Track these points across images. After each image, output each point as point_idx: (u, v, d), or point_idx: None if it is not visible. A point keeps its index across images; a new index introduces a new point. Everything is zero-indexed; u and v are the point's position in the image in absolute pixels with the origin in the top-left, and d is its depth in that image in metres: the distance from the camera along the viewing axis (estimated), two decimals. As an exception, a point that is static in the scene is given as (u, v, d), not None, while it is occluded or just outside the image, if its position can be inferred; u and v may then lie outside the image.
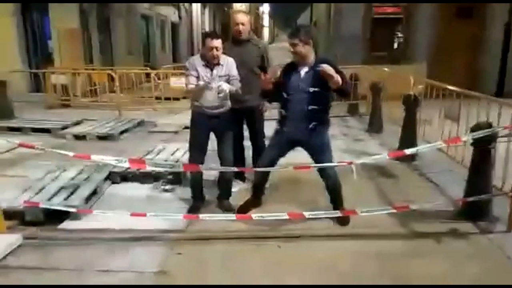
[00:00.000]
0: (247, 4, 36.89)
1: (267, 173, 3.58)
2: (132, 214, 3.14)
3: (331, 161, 3.34)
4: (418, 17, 9.93)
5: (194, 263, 2.92)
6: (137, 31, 14.99)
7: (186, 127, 7.23)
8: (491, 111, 3.80)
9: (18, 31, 11.24)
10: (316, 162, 3.36)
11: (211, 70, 3.44)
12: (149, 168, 3.12)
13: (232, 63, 3.53)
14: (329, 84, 3.03)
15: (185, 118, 7.53)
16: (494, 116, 3.64)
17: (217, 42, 3.32)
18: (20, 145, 3.06)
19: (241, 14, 3.83)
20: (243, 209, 3.65)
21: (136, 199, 4.00)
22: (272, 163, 3.44)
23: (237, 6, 34.34)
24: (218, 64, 3.44)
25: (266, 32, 49.23)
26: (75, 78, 9.65)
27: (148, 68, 11.22)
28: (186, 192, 4.15)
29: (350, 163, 2.93)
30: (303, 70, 3.22)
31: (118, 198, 4.05)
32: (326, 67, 2.97)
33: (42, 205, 3.26)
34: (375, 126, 6.60)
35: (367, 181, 4.33)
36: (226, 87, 3.32)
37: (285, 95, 3.27)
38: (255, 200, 3.74)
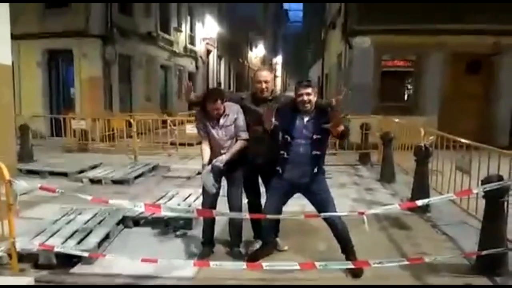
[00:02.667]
0: (262, 55, 38.36)
1: (277, 221, 3.60)
2: (142, 260, 3.16)
3: (333, 206, 3.38)
4: (428, 71, 10.19)
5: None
6: (156, 80, 15.64)
7: (199, 173, 7.40)
8: (502, 164, 3.82)
9: (43, 79, 11.91)
10: (318, 208, 3.40)
11: (217, 120, 3.54)
12: (162, 213, 3.18)
13: (237, 111, 3.56)
14: (332, 129, 3.13)
15: (199, 163, 7.71)
16: (505, 169, 3.65)
17: (218, 104, 3.41)
18: (41, 188, 3.17)
19: (265, 71, 3.66)
20: (254, 257, 3.63)
21: (147, 244, 4.02)
22: (278, 211, 3.48)
23: (252, 58, 35.76)
24: (224, 115, 3.52)
25: (278, 82, 50.67)
26: (95, 124, 10.02)
27: (164, 115, 11.58)
28: (197, 237, 4.19)
29: (362, 213, 2.95)
30: (306, 117, 3.35)
31: (130, 242, 4.09)
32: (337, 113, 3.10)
33: (56, 249, 3.31)
34: (386, 176, 6.61)
35: (379, 232, 4.29)
36: (220, 162, 3.41)
37: (288, 138, 3.37)
38: (266, 248, 3.73)
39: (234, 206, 3.66)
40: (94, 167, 7.56)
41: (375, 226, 4.32)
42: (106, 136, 10.24)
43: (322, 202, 3.36)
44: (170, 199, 5.22)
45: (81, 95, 11.67)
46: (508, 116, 9.99)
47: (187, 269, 3.39)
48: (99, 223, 4.27)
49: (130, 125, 9.28)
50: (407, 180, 6.20)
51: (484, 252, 3.19)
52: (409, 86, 11.05)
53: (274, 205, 3.46)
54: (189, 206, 4.79)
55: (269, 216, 3.38)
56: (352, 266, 3.20)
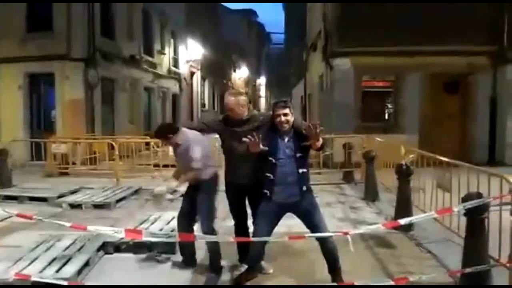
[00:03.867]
0: (245, 76, 38.77)
1: (264, 245, 3.55)
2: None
3: (323, 221, 3.38)
4: (407, 91, 10.45)
5: None
6: (139, 102, 15.59)
7: (182, 195, 7.31)
8: (480, 181, 3.88)
9: (24, 102, 11.73)
10: (309, 225, 3.38)
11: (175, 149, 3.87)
12: (144, 239, 3.11)
13: (191, 139, 3.67)
14: (312, 143, 3.16)
15: (183, 186, 7.63)
16: (484, 186, 3.71)
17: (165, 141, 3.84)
18: (18, 215, 3.07)
19: (232, 97, 3.61)
20: (239, 281, 3.57)
21: (128, 270, 3.91)
22: (268, 236, 3.44)
23: (236, 79, 36.09)
24: (177, 144, 3.76)
25: (262, 102, 51.17)
26: (75, 147, 9.86)
27: (147, 137, 11.49)
28: (179, 261, 4.10)
29: (346, 233, 2.94)
30: (286, 137, 3.37)
31: (111, 269, 3.96)
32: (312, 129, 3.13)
33: (32, 278, 3.19)
34: (370, 194, 6.65)
35: (364, 251, 4.28)
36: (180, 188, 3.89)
37: (273, 160, 3.36)
38: (251, 272, 3.66)
39: (202, 230, 3.73)
40: (74, 191, 7.39)
41: (360, 245, 4.31)
42: (88, 160, 10.10)
43: (313, 220, 3.34)
44: (153, 223, 5.13)
45: (63, 118, 11.50)
46: (486, 133, 10.27)
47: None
48: (79, 249, 4.14)
49: (112, 147, 9.18)
50: (391, 198, 6.24)
51: (467, 270, 3.21)
52: (390, 106, 11.29)
53: (265, 230, 3.38)
54: (172, 230, 4.70)
55: (253, 239, 3.34)
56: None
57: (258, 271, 3.74)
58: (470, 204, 3.08)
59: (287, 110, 3.35)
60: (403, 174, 4.96)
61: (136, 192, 7.54)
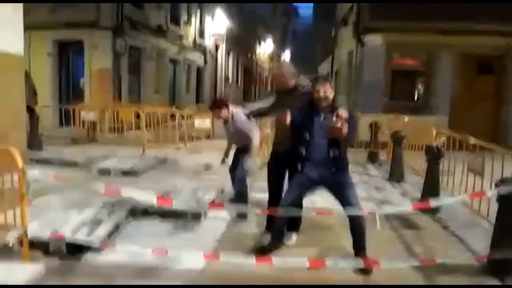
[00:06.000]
0: (270, 50, 38.21)
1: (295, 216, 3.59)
2: (153, 251, 3.17)
3: (356, 198, 3.38)
4: (439, 71, 10.11)
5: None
6: (165, 73, 15.67)
7: (206, 167, 7.41)
8: (507, 165, 3.77)
9: (53, 69, 11.96)
10: (340, 199, 3.40)
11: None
12: (174, 206, 3.18)
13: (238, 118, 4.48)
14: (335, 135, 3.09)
15: (207, 158, 7.71)
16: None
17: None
18: (55, 177, 3.18)
19: (284, 68, 3.87)
20: (262, 250, 3.63)
21: (156, 236, 4.02)
22: (295, 204, 3.48)
23: (260, 53, 35.64)
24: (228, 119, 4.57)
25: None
26: (103, 115, 10.05)
27: (173, 108, 11.59)
28: (206, 231, 4.20)
29: (374, 212, 2.92)
30: (323, 114, 3.31)
31: (139, 234, 4.09)
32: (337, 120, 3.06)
33: (66, 238, 3.32)
34: (396, 175, 6.56)
35: (389, 231, 4.26)
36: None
37: (307, 136, 3.34)
38: (276, 242, 3.72)
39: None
40: (103, 157, 7.59)
41: (385, 226, 4.28)
42: (114, 128, 10.29)
43: (344, 197, 3.35)
44: (179, 193, 5.21)
45: (90, 86, 11.71)
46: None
47: (197, 261, 3.39)
48: (108, 213, 4.28)
49: (138, 116, 9.31)
50: (416, 180, 6.16)
51: (495, 255, 3.15)
52: (419, 86, 10.97)
53: (290, 199, 3.46)
54: (199, 200, 4.79)
55: (280, 213, 3.37)
56: (361, 266, 3.17)
57: (282, 242, 3.80)
58: (504, 189, 3.00)
59: (327, 87, 3.30)
60: (433, 156, 4.85)
61: (162, 162, 7.67)
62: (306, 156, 3.37)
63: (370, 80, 9.87)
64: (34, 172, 3.17)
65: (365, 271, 3.27)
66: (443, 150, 4.88)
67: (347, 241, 3.59)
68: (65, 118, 10.83)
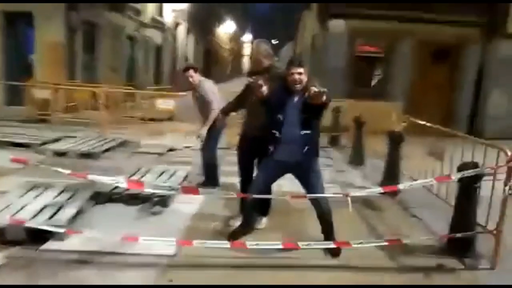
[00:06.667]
0: (231, 32, 37.66)
1: (265, 200, 3.60)
2: (123, 238, 3.06)
3: (323, 188, 3.43)
4: (397, 58, 10.43)
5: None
6: (122, 50, 14.97)
7: (170, 149, 7.24)
8: (465, 151, 4.00)
9: (1, 43, 11.02)
10: (307, 188, 3.44)
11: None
12: (146, 190, 3.07)
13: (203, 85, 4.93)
14: (316, 102, 3.10)
15: (169, 140, 7.52)
16: (469, 155, 3.82)
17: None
18: (14, 159, 2.95)
19: (260, 45, 3.85)
20: (235, 235, 3.63)
21: (122, 221, 3.89)
22: (265, 189, 3.49)
23: (221, 34, 35.02)
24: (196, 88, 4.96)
25: (246, 60, 50.22)
26: (56, 94, 9.46)
27: (132, 88, 11.14)
28: (173, 215, 4.12)
29: (346, 195, 2.99)
30: (296, 96, 3.31)
31: (104, 219, 3.92)
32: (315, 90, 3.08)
33: (28, 224, 3.12)
34: (357, 159, 6.77)
35: (354, 213, 4.37)
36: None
37: (280, 117, 3.34)
38: (247, 227, 3.72)
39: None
40: (57, 139, 7.18)
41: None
42: (68, 108, 9.73)
43: (310, 183, 3.38)
44: (143, 175, 5.05)
45: (42, 62, 10.94)
46: (468, 105, 10.48)
47: (168, 247, 3.32)
48: (69, 198, 4.06)
49: (94, 96, 8.87)
50: (376, 163, 6.37)
51: (456, 235, 3.35)
52: (378, 72, 11.29)
53: (261, 182, 3.46)
54: (164, 183, 4.68)
55: (255, 196, 3.36)
56: (334, 246, 3.26)
57: (253, 226, 3.81)
58: (468, 173, 3.17)
59: (301, 69, 3.29)
60: (395, 140, 5.03)
61: (122, 144, 7.39)
62: (278, 138, 3.36)
63: (333, 65, 10.01)
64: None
65: (334, 252, 3.37)
66: (404, 135, 5.06)
67: (315, 224, 3.64)
68: (14, 97, 10.09)
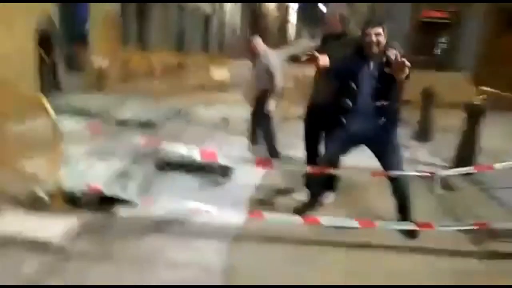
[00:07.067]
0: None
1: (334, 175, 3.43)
2: (196, 209, 3.00)
3: (402, 164, 3.18)
4: (465, 24, 9.57)
5: (260, 264, 2.77)
6: (172, 20, 14.93)
7: (224, 119, 7.15)
8: None
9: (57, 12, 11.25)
10: (383, 164, 3.21)
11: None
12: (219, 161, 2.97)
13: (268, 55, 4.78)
14: (394, 72, 2.82)
15: (222, 111, 7.42)
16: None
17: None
18: (90, 128, 2.95)
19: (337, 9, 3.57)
20: (301, 209, 3.49)
21: (188, 190, 3.84)
22: (335, 162, 3.30)
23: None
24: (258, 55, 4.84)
25: (291, 28, 48.94)
26: (111, 62, 9.60)
27: (186, 58, 11.11)
28: (238, 186, 4.04)
29: (433, 173, 2.73)
30: (373, 62, 3.02)
31: (170, 188, 3.89)
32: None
33: (104, 192, 3.15)
34: (423, 134, 6.34)
35: (426, 193, 4.07)
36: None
37: (353, 86, 3.08)
38: (314, 202, 3.57)
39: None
40: (117, 107, 7.29)
41: (422, 187, 4.08)
42: (123, 76, 9.89)
43: (387, 157, 3.15)
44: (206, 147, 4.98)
45: (95, 31, 11.10)
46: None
47: (237, 218, 3.25)
48: (137, 166, 4.09)
49: (148, 64, 8.90)
50: (444, 139, 5.93)
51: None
52: (443, 40, 10.46)
53: (332, 156, 3.29)
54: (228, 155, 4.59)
55: (332, 171, 3.19)
56: (416, 227, 3.03)
57: (320, 201, 3.65)
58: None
59: (380, 30, 2.98)
60: (474, 114, 4.58)
61: (178, 113, 7.40)
62: (351, 109, 3.13)
63: (395, 31, 9.35)
64: (68, 122, 2.94)
65: (413, 233, 3.15)
66: (485, 108, 4.60)
67: (384, 202, 3.45)
68: (70, 64, 10.33)
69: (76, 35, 11.57)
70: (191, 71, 9.57)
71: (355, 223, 2.95)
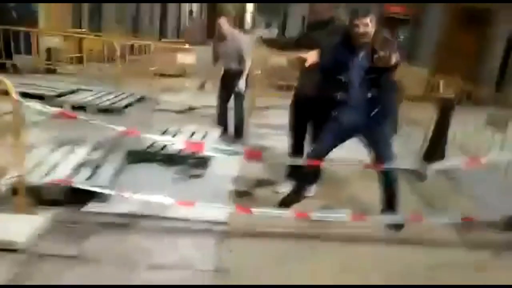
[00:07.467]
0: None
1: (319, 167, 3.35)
2: (178, 203, 2.79)
3: (393, 153, 3.17)
4: (424, 20, 9.90)
5: (250, 262, 2.63)
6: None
7: (190, 108, 6.85)
8: None
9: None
10: (375, 153, 3.17)
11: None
12: (205, 153, 2.77)
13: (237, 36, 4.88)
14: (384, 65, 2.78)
15: (187, 97, 7.10)
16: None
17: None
18: (63, 114, 2.61)
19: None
20: (286, 202, 3.38)
21: (162, 183, 3.58)
22: (326, 155, 3.23)
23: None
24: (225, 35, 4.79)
25: (247, 18, 48.59)
26: (67, 43, 8.88)
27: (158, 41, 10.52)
28: (214, 178, 3.84)
29: (427, 167, 2.72)
30: (361, 53, 2.95)
31: (142, 181, 3.62)
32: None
33: (74, 184, 2.83)
34: (392, 127, 6.42)
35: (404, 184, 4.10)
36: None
37: (342, 78, 3.01)
38: (299, 194, 3.47)
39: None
40: (73, 91, 6.77)
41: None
42: (75, 58, 9.19)
43: (378, 147, 3.12)
44: (174, 135, 4.69)
45: (46, 10, 10.20)
46: (495, 73, 10.08)
47: (219, 214, 3.06)
48: (103, 157, 3.76)
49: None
50: (409, 132, 6.06)
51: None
52: (401, 35, 10.77)
53: (324, 148, 3.20)
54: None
55: (325, 163, 3.11)
56: (404, 222, 3.03)
57: (304, 194, 3.56)
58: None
59: (367, 20, 2.89)
60: (446, 108, 4.69)
61: (140, 100, 7.00)
62: (342, 101, 3.05)
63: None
64: (35, 105, 2.58)
65: (398, 226, 3.15)
66: (455, 102, 4.73)
67: (365, 193, 3.46)
68: (17, 45, 9.43)
69: (24, 13, 10.61)
70: (151, 56, 9.07)
71: (345, 217, 2.88)
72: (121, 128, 2.60)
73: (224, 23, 4.76)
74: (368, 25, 2.89)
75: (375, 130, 3.11)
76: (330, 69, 3.07)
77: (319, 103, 3.27)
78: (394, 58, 2.76)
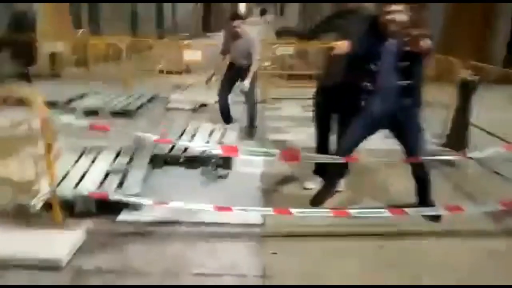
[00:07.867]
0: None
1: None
2: (217, 209, 2.72)
3: (424, 144, 3.11)
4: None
5: (296, 264, 2.58)
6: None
7: (202, 105, 6.74)
8: None
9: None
10: (404, 145, 3.10)
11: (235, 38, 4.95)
12: (241, 156, 2.69)
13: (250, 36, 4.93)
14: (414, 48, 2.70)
15: (197, 94, 6.99)
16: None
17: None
18: (93, 127, 2.53)
19: None
20: (318, 200, 3.32)
21: (193, 187, 3.55)
22: (356, 148, 3.16)
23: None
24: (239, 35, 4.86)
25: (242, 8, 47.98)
26: (67, 46, 8.74)
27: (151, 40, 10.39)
28: (239, 177, 3.78)
29: (464, 156, 2.65)
30: (392, 41, 2.86)
31: (172, 186, 3.56)
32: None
33: (111, 197, 2.76)
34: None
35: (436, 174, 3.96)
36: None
37: (372, 67, 2.92)
38: (330, 191, 3.41)
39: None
40: (82, 96, 6.68)
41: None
42: (81, 61, 9.07)
43: (410, 138, 3.05)
44: (193, 135, 4.61)
45: (44, 13, 10.04)
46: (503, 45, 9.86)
47: (254, 216, 3.00)
48: (128, 163, 3.69)
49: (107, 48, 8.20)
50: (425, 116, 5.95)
51: None
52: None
53: (354, 141, 3.13)
54: (220, 143, 4.27)
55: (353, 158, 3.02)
56: (446, 213, 2.96)
57: (335, 190, 3.50)
58: None
59: (400, 7, 2.80)
60: (468, 90, 4.58)
61: (151, 99, 6.90)
62: (371, 91, 2.97)
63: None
64: (66, 119, 2.51)
65: (436, 217, 3.09)
66: (477, 83, 4.60)
67: (394, 185, 3.41)
68: (19, 51, 9.28)
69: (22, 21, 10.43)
70: (155, 53, 8.95)
71: (385, 213, 2.82)
72: (155, 137, 2.52)
73: (239, 26, 4.86)
74: (400, 11, 2.81)
75: (407, 121, 3.03)
76: (360, 58, 2.98)
77: (347, 93, 3.17)
78: (427, 43, 2.68)
